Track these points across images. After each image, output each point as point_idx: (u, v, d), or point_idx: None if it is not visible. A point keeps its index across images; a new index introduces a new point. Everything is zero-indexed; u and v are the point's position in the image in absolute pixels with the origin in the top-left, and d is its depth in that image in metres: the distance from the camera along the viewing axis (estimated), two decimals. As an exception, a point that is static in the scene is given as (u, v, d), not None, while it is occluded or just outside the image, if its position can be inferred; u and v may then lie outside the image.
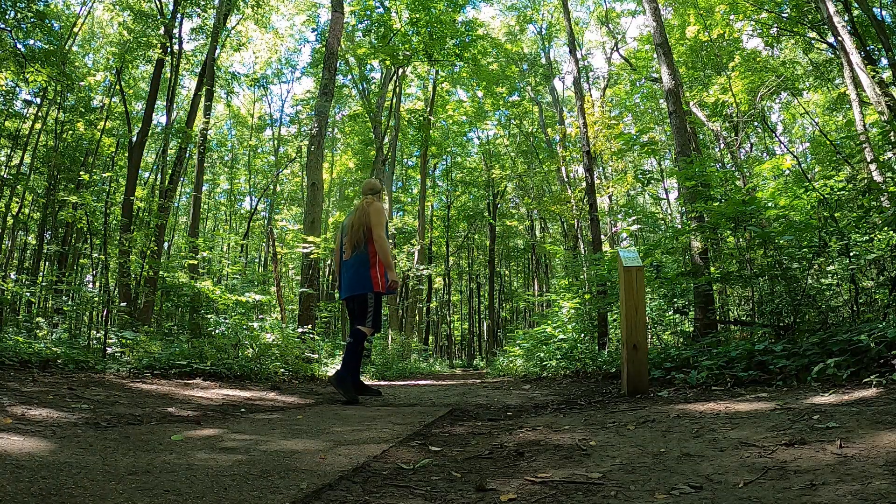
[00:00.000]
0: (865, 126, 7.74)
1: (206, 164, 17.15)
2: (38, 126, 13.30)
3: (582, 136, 9.23)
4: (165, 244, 18.01)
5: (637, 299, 3.50)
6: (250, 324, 6.09)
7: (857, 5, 9.40)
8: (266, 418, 2.89)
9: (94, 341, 5.84)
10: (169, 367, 4.90)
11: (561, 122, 20.05)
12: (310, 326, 7.70)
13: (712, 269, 5.83)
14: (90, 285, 13.79)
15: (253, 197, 26.14)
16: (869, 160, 5.82)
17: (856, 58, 7.49)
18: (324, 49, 11.39)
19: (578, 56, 14.37)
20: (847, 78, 8.50)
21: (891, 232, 4.01)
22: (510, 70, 21.65)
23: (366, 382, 5.45)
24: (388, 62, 17.03)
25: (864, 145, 5.87)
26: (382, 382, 8.62)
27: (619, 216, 13.42)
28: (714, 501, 1.20)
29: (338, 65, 11.92)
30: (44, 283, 12.65)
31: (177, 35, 13.05)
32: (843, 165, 5.64)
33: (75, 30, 14.30)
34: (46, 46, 9.77)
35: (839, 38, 7.94)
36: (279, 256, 13.68)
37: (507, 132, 24.95)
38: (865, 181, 5.10)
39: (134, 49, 12.37)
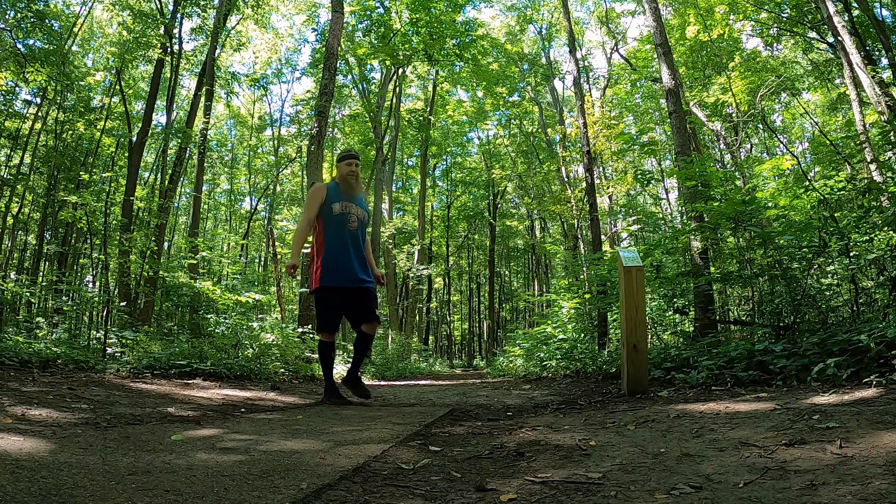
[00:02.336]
0: (865, 126, 7.74)
1: (206, 164, 17.14)
2: (38, 126, 13.29)
3: (582, 136, 9.23)
4: (165, 244, 18.01)
5: (637, 299, 3.50)
6: (250, 324, 6.10)
7: (856, 5, 9.40)
8: (266, 418, 2.89)
9: (94, 341, 5.84)
10: (169, 367, 4.90)
11: (561, 122, 20.04)
12: (310, 326, 7.70)
13: (712, 269, 5.83)
14: (90, 285, 13.80)
15: (253, 197, 26.15)
16: (869, 160, 5.82)
17: (856, 58, 7.49)
18: (324, 49, 11.39)
19: (578, 56, 14.37)
20: (847, 78, 8.50)
21: (891, 232, 4.01)
22: (510, 70, 21.64)
23: (366, 382, 5.42)
24: (388, 62, 17.03)
25: (864, 145, 5.87)
26: (382, 382, 8.63)
27: (619, 216, 13.43)
28: (714, 501, 1.20)
29: (338, 65, 11.91)
30: (44, 283, 12.65)
31: (177, 35, 13.06)
32: (843, 165, 5.64)
33: (75, 30, 14.30)
34: (46, 46, 9.77)
35: (839, 38, 7.94)
36: (279, 256, 13.68)
37: (507, 132, 24.95)
38: (865, 181, 5.10)
39: (134, 49, 12.37)
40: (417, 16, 15.44)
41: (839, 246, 4.08)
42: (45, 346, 4.72)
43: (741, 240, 5.25)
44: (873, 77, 7.38)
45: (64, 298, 8.08)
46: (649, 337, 5.94)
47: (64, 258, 14.75)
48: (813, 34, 11.57)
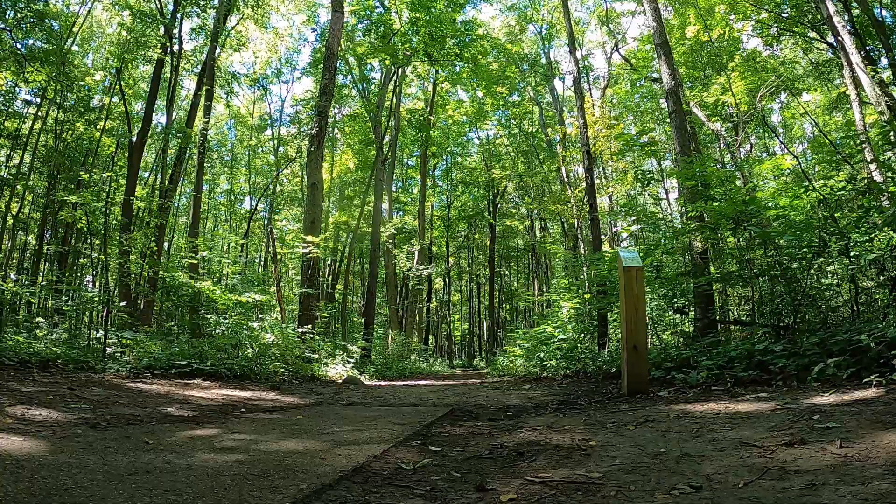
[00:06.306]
0: (865, 126, 7.74)
1: (206, 164, 17.12)
2: (37, 126, 13.28)
3: (582, 136, 9.23)
4: (165, 244, 17.99)
5: (637, 299, 3.50)
6: (250, 324, 6.10)
7: (856, 5, 9.39)
8: (266, 418, 2.89)
9: (94, 341, 5.84)
10: (169, 367, 4.90)
11: (561, 122, 20.04)
12: (310, 326, 7.70)
13: (712, 269, 5.83)
14: (90, 285, 13.80)
15: (253, 197, 26.13)
16: (869, 160, 5.82)
17: (856, 58, 7.48)
18: (324, 49, 11.39)
19: (578, 56, 14.36)
20: (847, 78, 8.49)
21: (891, 232, 4.00)
22: (510, 70, 21.64)
23: (366, 382, 5.43)
24: (388, 62, 17.03)
25: (864, 145, 5.87)
26: (382, 382, 8.62)
27: (620, 216, 13.41)
28: (714, 501, 1.20)
29: (338, 65, 11.92)
30: (44, 283, 12.63)
31: (177, 35, 13.04)
32: (843, 165, 5.63)
33: (74, 29, 14.29)
34: (46, 46, 9.76)
35: (839, 38, 7.93)
36: (279, 256, 13.68)
37: (507, 132, 24.95)
38: (865, 181, 5.10)
39: (133, 49, 12.36)
40: (417, 15, 15.44)
41: (839, 246, 4.08)
42: (45, 346, 4.72)
43: (741, 240, 5.24)
44: (873, 77, 7.37)
45: (64, 298, 8.06)
46: (649, 337, 5.93)
47: (64, 258, 14.73)
48: (813, 34, 11.55)
